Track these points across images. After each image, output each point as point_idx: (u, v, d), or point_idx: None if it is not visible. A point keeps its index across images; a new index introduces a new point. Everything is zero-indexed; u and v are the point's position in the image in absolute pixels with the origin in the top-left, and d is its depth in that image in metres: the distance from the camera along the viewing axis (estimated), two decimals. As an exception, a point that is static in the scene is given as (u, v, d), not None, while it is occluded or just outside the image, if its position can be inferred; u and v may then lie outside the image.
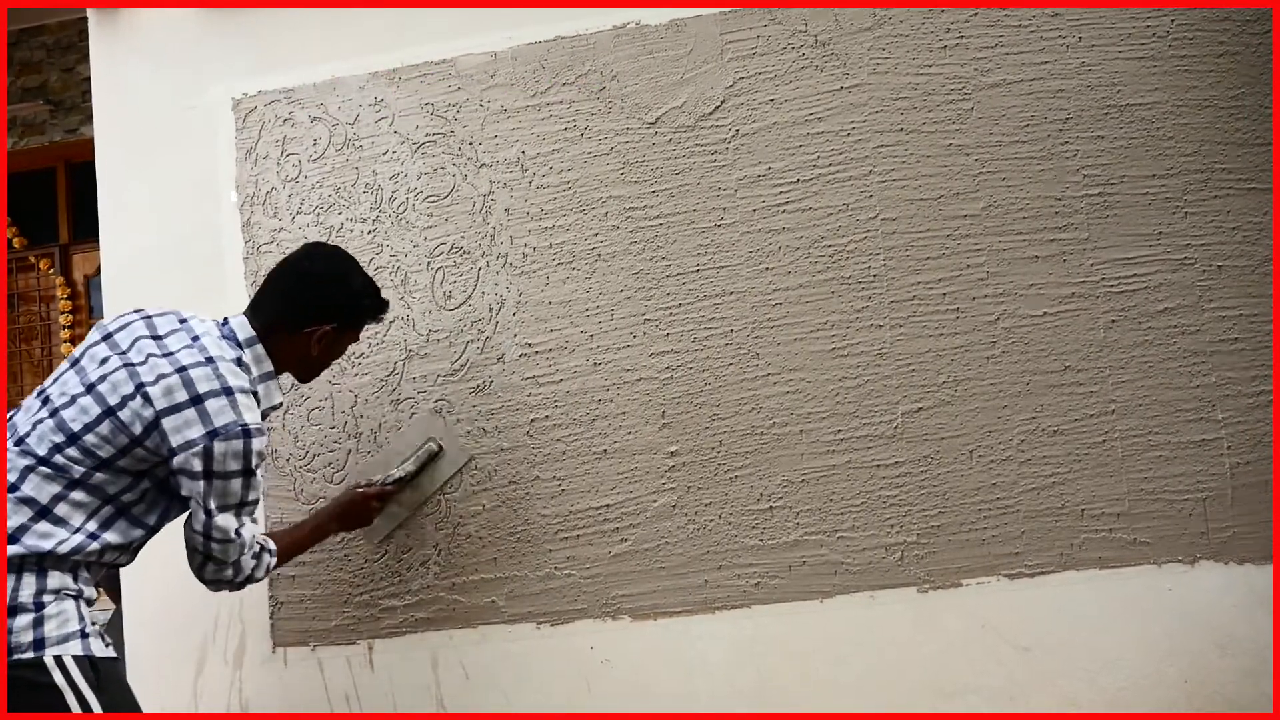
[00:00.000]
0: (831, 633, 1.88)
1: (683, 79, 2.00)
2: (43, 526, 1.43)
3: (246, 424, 1.49)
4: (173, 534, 2.06)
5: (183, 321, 1.58)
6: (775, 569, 1.90)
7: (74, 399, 1.49)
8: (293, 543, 1.77)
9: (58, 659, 1.40)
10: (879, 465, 1.89)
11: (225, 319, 1.63)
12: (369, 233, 2.07)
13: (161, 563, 2.05)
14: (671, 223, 1.98)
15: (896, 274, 1.91)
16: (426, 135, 2.07)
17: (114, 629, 2.78)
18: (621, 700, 1.92)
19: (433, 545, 2.00)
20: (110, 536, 1.49)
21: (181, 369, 1.49)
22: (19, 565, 1.42)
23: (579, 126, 2.02)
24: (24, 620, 1.40)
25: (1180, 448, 1.84)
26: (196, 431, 1.46)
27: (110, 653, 1.48)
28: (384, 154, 2.08)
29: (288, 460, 2.06)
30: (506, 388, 2.00)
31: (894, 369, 1.90)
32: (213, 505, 1.50)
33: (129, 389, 1.47)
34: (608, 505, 1.95)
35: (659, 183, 1.99)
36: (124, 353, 1.51)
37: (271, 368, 1.62)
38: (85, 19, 2.26)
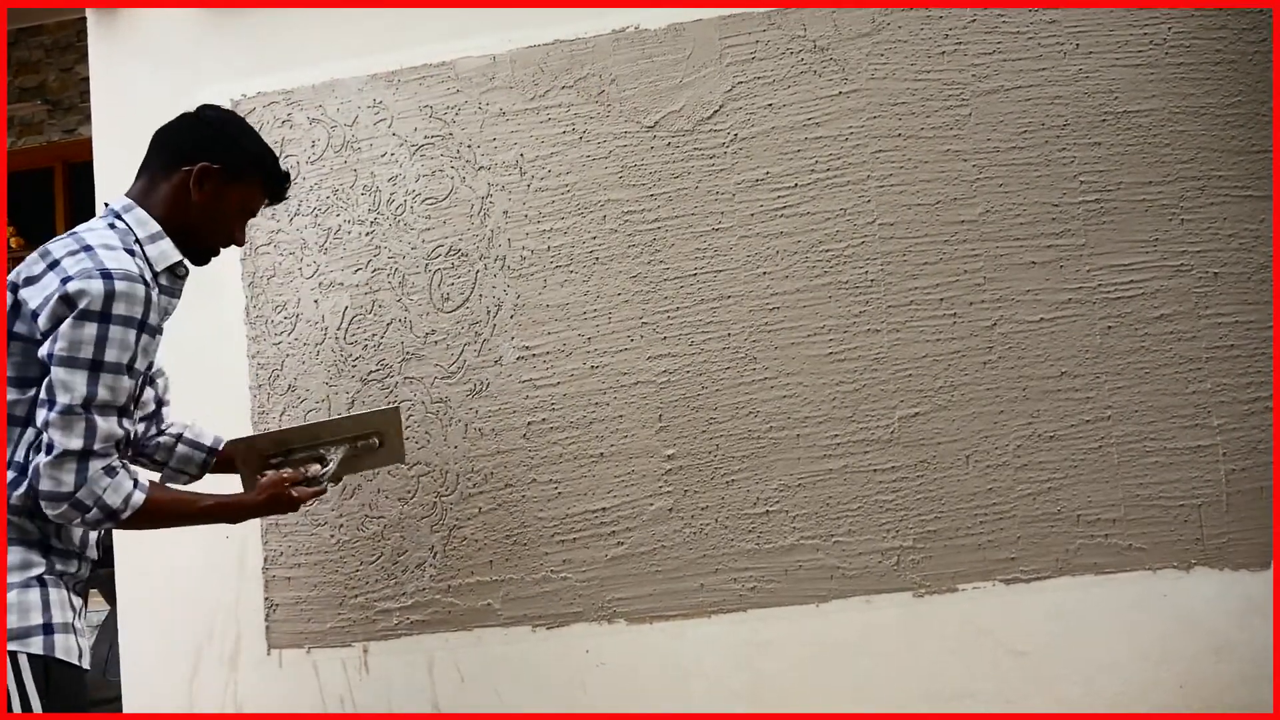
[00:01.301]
0: (827, 637, 1.88)
1: (681, 83, 2.00)
2: None
3: (107, 267, 1.30)
4: (160, 545, 2.06)
5: (72, 234, 1.41)
6: (771, 573, 1.90)
7: None
8: (186, 506, 1.48)
9: (12, 655, 1.25)
10: (875, 470, 1.89)
11: (105, 203, 1.49)
12: (367, 234, 2.07)
13: (157, 565, 2.06)
14: (669, 226, 1.98)
15: (894, 279, 1.92)
16: (425, 137, 2.07)
17: (108, 630, 2.78)
18: (617, 703, 1.92)
19: (429, 548, 2.00)
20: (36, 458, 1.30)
21: (45, 252, 1.36)
22: None
23: (577, 130, 2.02)
24: None
25: (1176, 454, 1.84)
26: (51, 286, 1.30)
27: (74, 656, 1.32)
28: (382, 156, 2.08)
29: (284, 462, 2.06)
30: (504, 390, 2.00)
31: (891, 374, 1.90)
32: (56, 351, 1.28)
33: (10, 299, 1.34)
34: (604, 508, 1.95)
35: (657, 186, 1.99)
36: (18, 289, 1.35)
37: (158, 227, 1.44)
38: (84, 19, 2.26)
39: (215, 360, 2.08)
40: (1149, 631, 1.82)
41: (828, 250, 1.94)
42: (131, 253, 1.39)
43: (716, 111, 1.98)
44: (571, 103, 2.02)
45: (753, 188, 1.96)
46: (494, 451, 1.99)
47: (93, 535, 1.42)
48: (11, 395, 1.32)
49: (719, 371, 1.94)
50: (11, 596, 1.27)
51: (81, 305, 1.28)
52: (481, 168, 2.05)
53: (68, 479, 1.29)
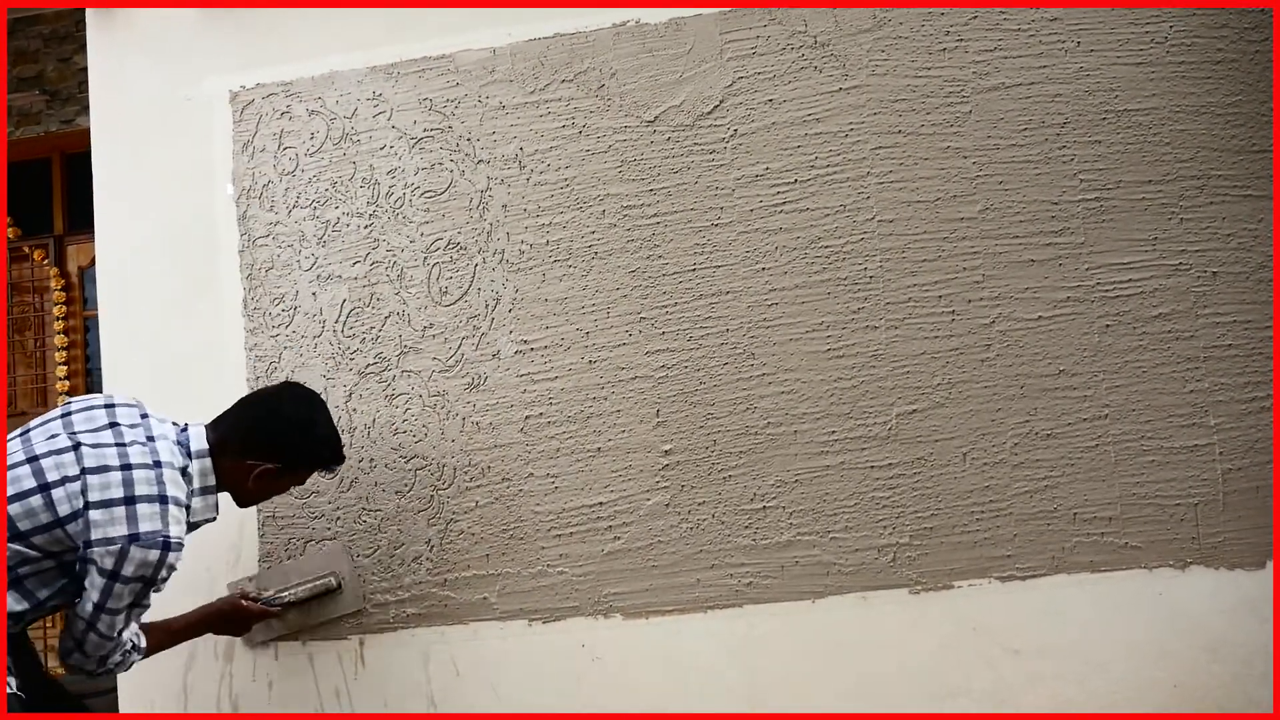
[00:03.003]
0: (823, 633, 1.88)
1: (682, 78, 2.00)
2: None
3: (169, 536, 1.50)
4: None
5: (144, 417, 1.59)
6: (768, 569, 1.90)
7: (10, 468, 1.48)
8: (165, 639, 1.78)
9: None
10: (873, 467, 1.89)
11: (185, 425, 1.64)
12: (365, 227, 2.07)
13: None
14: (668, 221, 1.98)
15: (893, 276, 1.92)
16: (424, 130, 2.06)
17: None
18: (612, 698, 1.92)
19: (425, 541, 2.00)
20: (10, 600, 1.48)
21: (127, 466, 1.50)
22: None
23: (577, 124, 2.01)
24: None
25: (1173, 453, 1.85)
26: (119, 531, 1.47)
27: (11, 688, 1.47)
28: (382, 149, 2.08)
29: (281, 454, 2.06)
30: (501, 384, 2.00)
31: (889, 370, 1.90)
32: (108, 604, 1.50)
33: (73, 470, 1.48)
34: (601, 503, 1.95)
35: (656, 181, 1.98)
36: (74, 433, 1.52)
37: (214, 483, 1.63)
38: (83, 8, 2.25)
39: (213, 352, 2.07)
40: (1144, 630, 1.82)
41: (827, 246, 1.93)
42: (187, 508, 1.58)
43: (717, 106, 1.98)
44: (571, 97, 2.02)
45: (752, 183, 1.96)
46: (491, 445, 1.99)
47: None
48: (21, 549, 1.48)
49: (717, 367, 1.94)
50: None
51: (137, 572, 1.48)
52: (481, 161, 2.04)
53: (90, 667, 1.58)
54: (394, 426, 2.02)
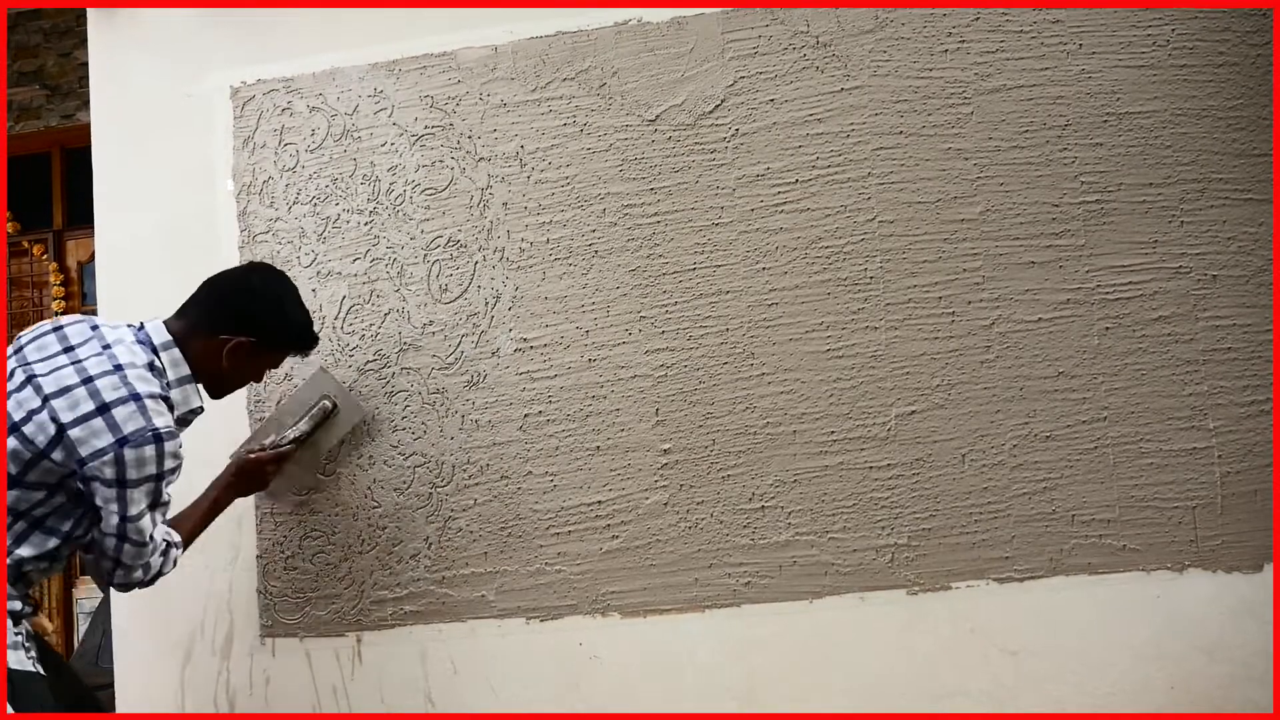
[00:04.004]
0: (820, 633, 1.88)
1: (683, 77, 1.99)
2: None
3: (157, 428, 1.47)
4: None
5: (94, 329, 1.56)
6: (766, 568, 1.90)
7: None
8: (195, 525, 1.75)
9: None
10: (871, 467, 1.89)
11: (141, 324, 1.61)
12: (366, 224, 2.07)
13: (150, 551, 2.05)
14: (669, 220, 1.98)
15: (893, 276, 1.92)
16: (425, 128, 2.06)
17: (101, 618, 2.77)
18: (610, 697, 1.92)
19: (423, 539, 2.00)
20: (24, 551, 1.47)
21: (88, 379, 1.47)
22: None
23: (578, 122, 2.01)
24: None
25: (1171, 455, 1.85)
26: (105, 440, 1.44)
27: (30, 667, 1.46)
28: (382, 145, 2.08)
29: (279, 451, 2.06)
30: (501, 382, 2.00)
31: (888, 371, 1.91)
32: (129, 511, 1.48)
33: (35, 402, 1.46)
34: (599, 502, 1.95)
35: (657, 180, 1.98)
36: (28, 364, 1.50)
37: (189, 372, 1.60)
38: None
39: (212, 348, 2.07)
40: (1141, 632, 1.82)
41: (827, 247, 1.93)
42: (166, 400, 1.54)
43: (718, 106, 1.98)
44: (573, 95, 2.02)
45: (753, 183, 1.96)
46: (490, 443, 1.99)
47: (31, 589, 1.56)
48: (17, 493, 1.46)
49: (716, 366, 1.94)
50: None
51: (142, 472, 1.46)
52: (482, 159, 2.04)
53: (138, 578, 1.57)
54: (393, 423, 2.02)
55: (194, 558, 2.04)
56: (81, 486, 1.47)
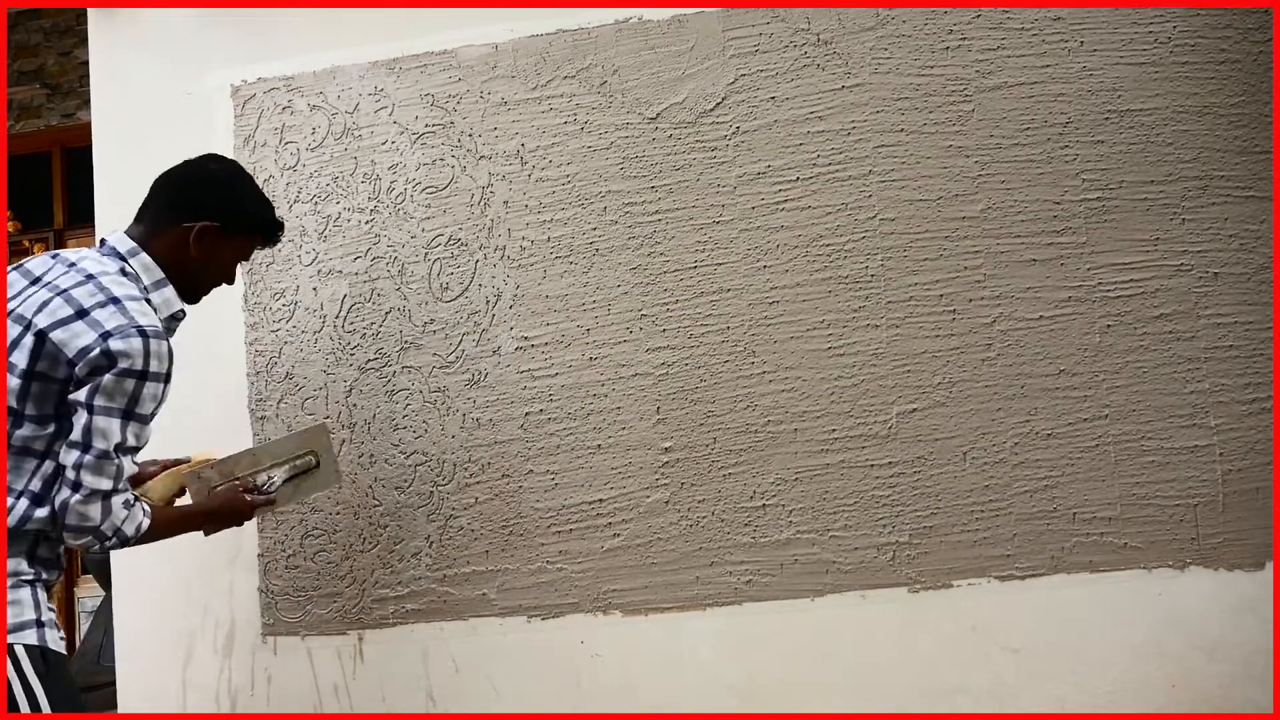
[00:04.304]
0: (822, 631, 1.88)
1: (684, 75, 1.99)
2: None
3: (141, 325, 1.40)
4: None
5: (54, 257, 1.52)
6: (767, 566, 1.90)
7: None
8: (167, 520, 1.61)
9: (9, 648, 1.35)
10: (872, 465, 1.89)
11: (101, 239, 1.55)
12: (366, 223, 2.07)
13: (152, 550, 2.05)
14: (670, 219, 1.98)
15: (894, 274, 1.92)
16: (426, 126, 2.06)
17: (103, 616, 2.77)
18: (611, 695, 1.92)
19: (424, 537, 2.00)
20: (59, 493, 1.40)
21: (62, 291, 1.41)
22: None
23: (579, 120, 2.01)
24: None
25: (1173, 453, 1.85)
26: (89, 338, 1.38)
27: (62, 648, 1.44)
28: (383, 144, 2.08)
29: (281, 449, 2.06)
30: (501, 381, 2.00)
31: (889, 369, 1.90)
32: (95, 406, 1.37)
33: (16, 330, 1.41)
34: (601, 500, 1.95)
35: (658, 178, 1.98)
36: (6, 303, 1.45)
37: (162, 274, 1.53)
38: None
39: (213, 347, 2.07)
40: (1142, 630, 1.82)
41: (828, 245, 1.93)
42: (148, 301, 1.49)
43: (719, 104, 1.98)
44: (573, 93, 2.02)
45: (754, 181, 1.96)
46: (491, 442, 1.99)
47: (62, 548, 1.50)
48: (29, 430, 1.41)
49: (717, 365, 1.94)
50: (9, 594, 1.38)
51: (124, 365, 1.39)
52: (482, 157, 2.04)
53: (94, 514, 1.41)
54: (394, 422, 2.02)
55: (195, 557, 2.04)
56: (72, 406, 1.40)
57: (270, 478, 1.76)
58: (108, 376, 1.38)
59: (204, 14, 2.17)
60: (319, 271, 2.08)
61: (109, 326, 1.39)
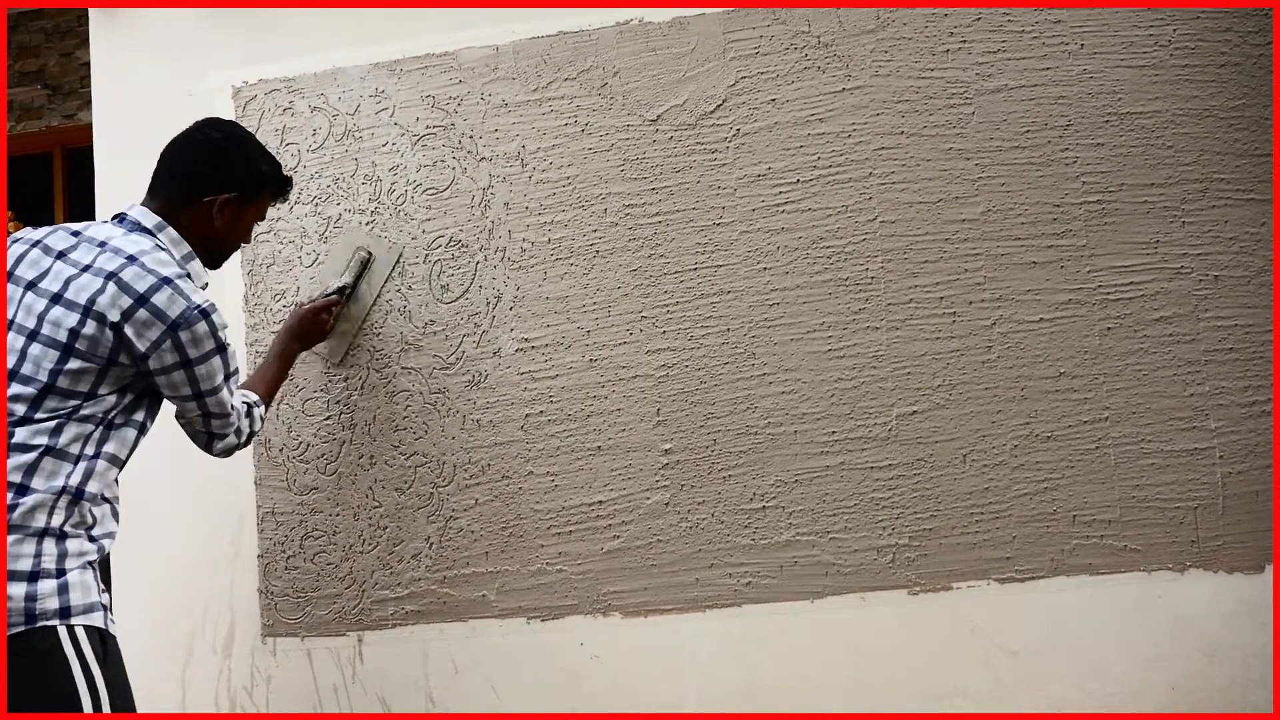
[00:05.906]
0: (821, 633, 1.88)
1: (684, 77, 1.99)
2: (48, 464, 1.39)
3: (198, 305, 1.48)
4: (154, 531, 2.05)
5: (76, 234, 1.51)
6: (767, 569, 1.90)
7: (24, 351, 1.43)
8: (269, 383, 1.85)
9: (70, 628, 1.36)
10: (872, 467, 1.89)
11: (120, 215, 1.56)
12: (367, 224, 2.07)
13: (153, 551, 2.05)
14: (670, 220, 1.98)
15: (894, 277, 1.92)
16: (427, 127, 2.06)
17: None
18: (610, 697, 1.92)
19: (424, 539, 2.00)
20: (111, 448, 1.46)
21: (110, 276, 1.43)
22: (42, 530, 1.37)
23: (580, 122, 2.01)
24: (48, 586, 1.35)
25: (1173, 456, 1.85)
26: (157, 330, 1.44)
27: (115, 630, 1.46)
28: (384, 145, 2.08)
29: (281, 450, 2.06)
30: (502, 382, 2.00)
31: (889, 371, 1.90)
32: (203, 388, 1.52)
33: (42, 304, 1.43)
34: (600, 502, 1.95)
35: (659, 180, 1.98)
36: (32, 284, 1.45)
37: (189, 248, 1.58)
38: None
39: (213, 348, 2.07)
40: (1142, 633, 1.82)
41: (828, 247, 1.93)
42: (188, 276, 1.53)
43: (719, 106, 1.98)
44: (574, 95, 2.02)
45: (754, 183, 1.96)
46: (491, 443, 1.99)
47: (107, 506, 1.51)
48: (74, 403, 1.44)
49: (717, 366, 1.94)
50: (73, 576, 1.40)
51: (202, 350, 1.49)
52: (483, 159, 2.04)
53: (233, 446, 1.67)
54: (394, 423, 2.02)
55: (194, 555, 2.04)
56: (148, 381, 1.49)
57: (336, 283, 1.99)
58: (199, 367, 1.49)
59: (205, 15, 2.17)
60: (320, 272, 2.08)
61: (172, 315, 1.45)
